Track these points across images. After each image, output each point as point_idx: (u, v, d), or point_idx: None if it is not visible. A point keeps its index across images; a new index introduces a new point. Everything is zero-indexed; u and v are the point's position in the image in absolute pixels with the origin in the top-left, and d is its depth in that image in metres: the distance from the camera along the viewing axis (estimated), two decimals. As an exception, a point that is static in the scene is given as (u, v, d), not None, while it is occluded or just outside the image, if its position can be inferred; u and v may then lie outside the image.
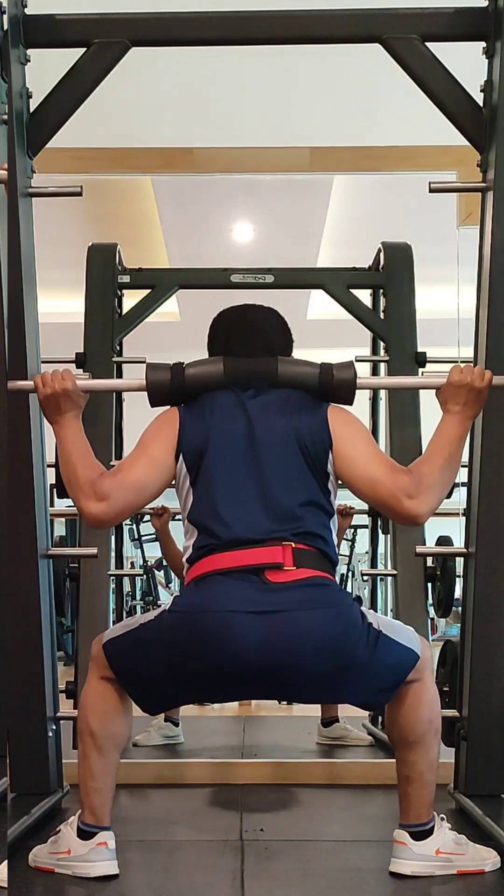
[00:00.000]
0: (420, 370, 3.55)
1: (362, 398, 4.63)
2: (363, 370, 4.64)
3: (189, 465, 2.06)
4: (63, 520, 7.68)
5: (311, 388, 2.13)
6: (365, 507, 4.25)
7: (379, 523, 4.17)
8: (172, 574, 9.95)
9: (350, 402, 2.15)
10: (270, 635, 1.89)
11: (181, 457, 2.06)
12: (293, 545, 1.98)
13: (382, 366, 3.79)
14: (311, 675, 1.93)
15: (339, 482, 2.10)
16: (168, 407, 2.17)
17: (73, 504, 2.10)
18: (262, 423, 2.06)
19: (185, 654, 1.93)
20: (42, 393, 2.11)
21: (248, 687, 2.00)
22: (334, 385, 2.13)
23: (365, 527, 4.90)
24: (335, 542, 2.09)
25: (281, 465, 2.04)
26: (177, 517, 3.88)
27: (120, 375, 4.15)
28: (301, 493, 2.03)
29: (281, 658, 1.89)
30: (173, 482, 2.10)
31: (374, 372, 4.59)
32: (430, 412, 3.68)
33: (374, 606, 4.53)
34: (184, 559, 2.08)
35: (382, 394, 4.09)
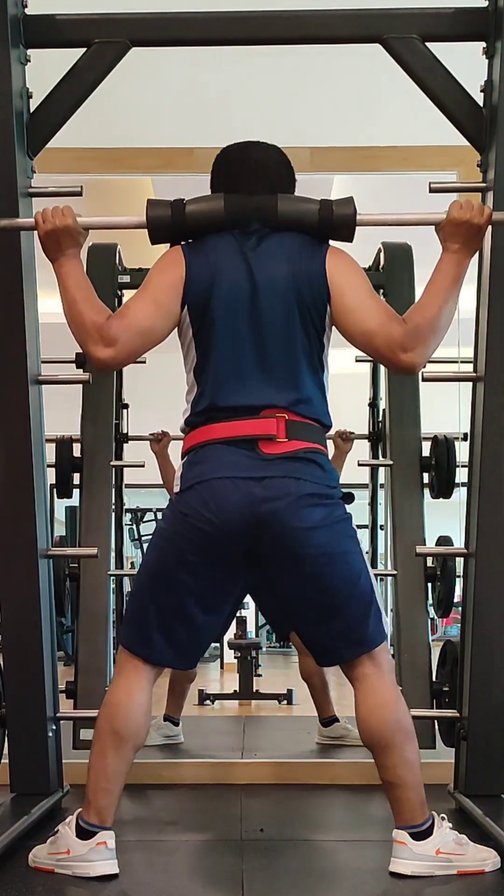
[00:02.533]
0: (421, 370, 3.55)
1: (363, 399, 4.64)
2: (363, 370, 4.65)
3: (193, 317, 2.08)
4: (63, 520, 7.70)
5: (311, 225, 2.12)
6: (364, 432, 4.38)
7: (379, 522, 4.18)
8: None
9: (350, 239, 2.15)
10: (256, 494, 1.97)
11: (186, 307, 2.07)
12: (287, 417, 2.02)
13: (382, 366, 3.79)
14: (282, 540, 1.98)
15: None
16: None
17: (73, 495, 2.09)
18: (263, 276, 2.07)
19: (190, 522, 2.00)
20: (42, 229, 2.11)
21: (239, 556, 2.02)
22: (334, 221, 2.13)
23: (365, 526, 4.90)
24: (327, 400, 2.12)
25: (280, 323, 2.06)
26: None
27: (120, 375, 4.16)
28: (298, 354, 2.06)
29: (261, 512, 1.97)
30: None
31: (375, 371, 4.60)
32: (431, 412, 3.69)
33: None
34: (183, 418, 2.11)
35: (382, 394, 4.10)
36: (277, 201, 2.11)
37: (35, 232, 2.16)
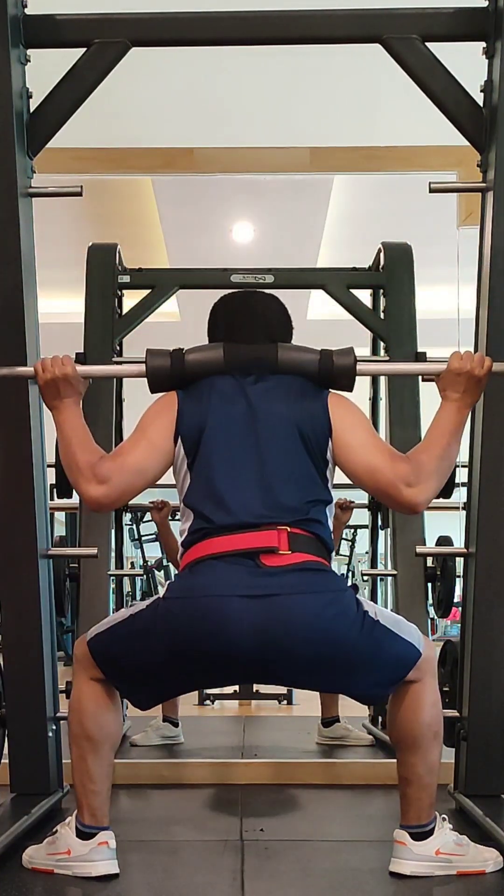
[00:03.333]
0: (423, 510, 3.56)
1: (362, 399, 4.64)
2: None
3: (187, 448, 2.06)
4: (63, 520, 7.70)
5: (311, 375, 2.13)
6: (364, 500, 4.30)
7: (379, 520, 4.17)
8: (172, 572, 9.96)
9: (350, 389, 2.16)
10: (264, 618, 1.88)
11: (179, 440, 2.06)
12: (289, 529, 1.98)
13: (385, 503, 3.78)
14: (304, 659, 1.92)
15: (337, 468, 2.10)
16: None
17: (73, 493, 2.09)
18: (263, 408, 2.06)
19: (180, 640, 1.92)
20: (42, 378, 2.11)
21: (242, 671, 2.00)
22: (334, 371, 2.13)
23: (365, 527, 4.90)
24: (331, 529, 2.09)
25: (280, 450, 2.04)
26: (177, 516, 3.89)
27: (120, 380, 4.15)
28: (299, 479, 2.03)
29: (273, 641, 1.89)
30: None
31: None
32: (431, 413, 3.69)
33: (374, 606, 4.52)
34: (179, 543, 2.08)
35: (382, 394, 4.10)
36: (277, 351, 2.12)
37: (34, 231, 2.15)
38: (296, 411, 2.06)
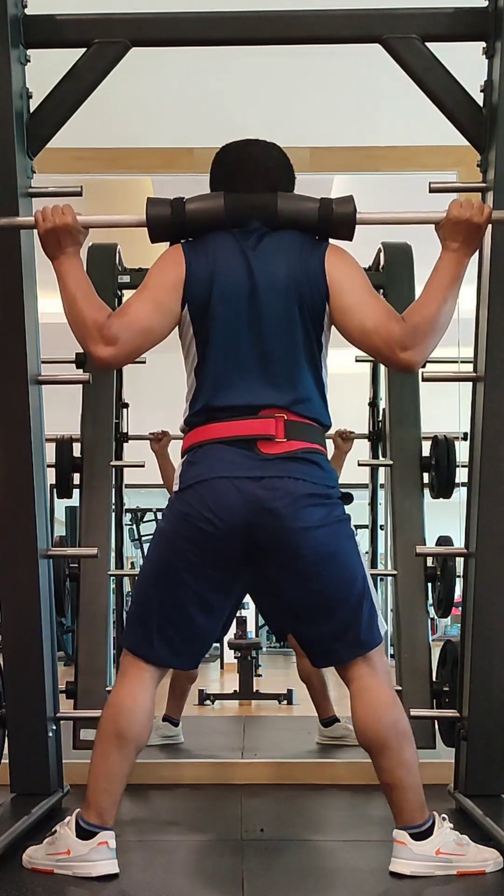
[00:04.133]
0: (420, 370, 3.56)
1: (362, 399, 4.64)
2: (363, 370, 4.65)
3: (193, 315, 2.07)
4: (63, 520, 7.70)
5: (311, 224, 2.12)
6: (364, 431, 4.37)
7: (379, 522, 4.18)
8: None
9: (349, 238, 2.15)
10: (254, 494, 1.98)
11: (186, 306, 2.07)
12: (286, 417, 2.02)
13: (382, 366, 3.79)
14: (281, 539, 1.98)
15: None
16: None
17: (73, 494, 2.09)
18: (263, 275, 2.06)
19: (190, 522, 2.00)
20: (42, 227, 2.11)
21: (237, 555, 2.02)
22: (334, 219, 2.12)
23: (365, 527, 4.91)
24: (327, 399, 2.12)
25: (279, 322, 2.06)
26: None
27: (120, 375, 4.16)
28: (298, 353, 2.06)
29: (260, 511, 1.97)
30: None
31: (375, 371, 4.60)
32: (431, 412, 3.69)
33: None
34: (183, 418, 2.12)
35: (382, 394, 4.10)
36: (277, 199, 2.11)
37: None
38: (294, 277, 2.07)
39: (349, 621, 2.04)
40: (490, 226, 2.38)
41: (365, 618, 2.05)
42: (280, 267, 2.08)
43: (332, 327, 2.11)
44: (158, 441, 4.06)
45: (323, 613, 2.05)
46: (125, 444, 4.25)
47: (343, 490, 2.10)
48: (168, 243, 2.17)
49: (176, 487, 2.08)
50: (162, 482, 4.02)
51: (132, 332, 2.04)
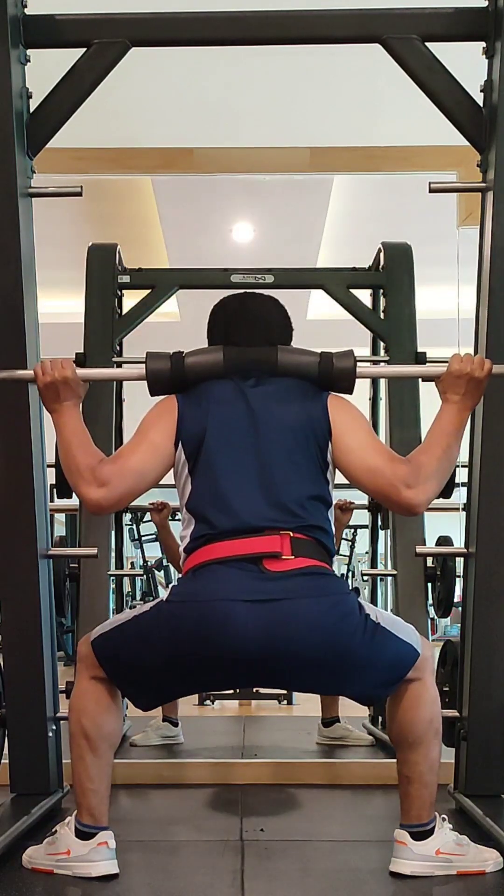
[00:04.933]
0: (423, 511, 3.56)
1: (362, 399, 4.64)
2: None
3: (188, 452, 2.06)
4: (63, 520, 7.70)
5: (311, 377, 2.13)
6: (365, 501, 4.28)
7: (379, 521, 4.17)
8: (172, 573, 9.96)
9: (350, 391, 2.16)
10: (268, 623, 1.89)
11: (180, 444, 2.06)
12: (291, 535, 1.98)
13: (382, 364, 3.79)
14: (308, 662, 1.93)
15: (337, 470, 2.11)
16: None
17: (73, 494, 2.09)
18: (263, 411, 2.07)
19: (183, 644, 1.93)
20: (41, 381, 2.11)
21: (246, 675, 1.99)
22: (334, 374, 2.13)
23: (365, 527, 4.90)
24: (333, 533, 2.10)
25: (281, 453, 2.04)
26: (177, 517, 3.88)
27: (120, 385, 4.15)
28: (301, 482, 2.04)
29: (278, 645, 1.89)
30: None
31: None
32: (431, 413, 3.69)
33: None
34: (181, 549, 2.08)
35: (382, 394, 4.10)
36: (277, 353, 2.12)
37: (35, 231, 2.15)
38: (296, 414, 2.07)
39: (379, 676, 2.00)
40: (490, 224, 2.39)
41: (406, 662, 2.00)
42: (281, 404, 2.08)
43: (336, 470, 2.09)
44: (159, 512, 3.99)
45: (352, 687, 2.03)
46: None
47: (353, 588, 2.06)
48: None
49: (165, 597, 2.01)
50: (165, 551, 3.96)
51: (124, 475, 2.02)
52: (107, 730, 2.04)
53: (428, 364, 2.14)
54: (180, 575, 2.10)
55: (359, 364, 2.14)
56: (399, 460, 2.03)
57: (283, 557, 1.95)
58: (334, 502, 2.13)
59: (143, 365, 2.15)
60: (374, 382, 4.56)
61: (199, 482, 2.05)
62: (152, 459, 2.05)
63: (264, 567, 1.95)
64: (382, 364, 2.02)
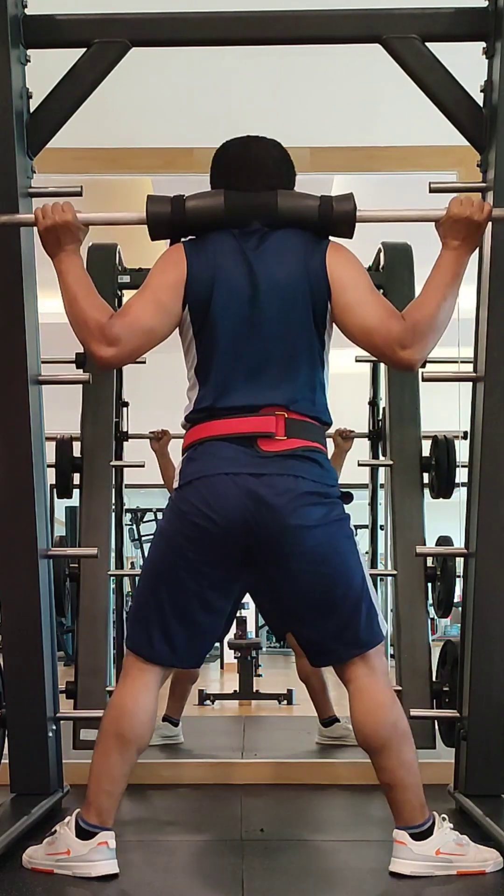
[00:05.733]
0: (420, 370, 3.56)
1: (363, 399, 4.64)
2: (363, 370, 4.65)
3: (193, 316, 2.08)
4: (63, 520, 7.70)
5: (311, 221, 2.12)
6: (364, 430, 4.36)
7: (379, 522, 4.18)
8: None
9: (350, 235, 2.15)
10: (255, 491, 1.98)
11: (187, 307, 2.08)
12: (286, 415, 2.03)
13: (382, 365, 3.79)
14: (279, 538, 1.98)
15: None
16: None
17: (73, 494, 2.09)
18: (264, 276, 2.07)
19: (189, 516, 2.00)
20: (42, 224, 2.11)
21: (237, 550, 2.01)
22: (334, 217, 2.13)
23: (365, 527, 4.90)
24: (327, 398, 2.12)
25: (281, 322, 2.06)
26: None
27: (120, 375, 4.15)
28: (299, 352, 2.07)
29: (258, 509, 1.97)
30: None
31: (375, 371, 4.59)
32: (431, 412, 3.69)
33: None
34: (184, 415, 2.12)
35: (383, 393, 4.10)
36: (277, 198, 2.11)
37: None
38: (295, 277, 2.07)
39: (348, 620, 2.04)
40: (490, 225, 2.38)
41: (363, 617, 2.05)
42: (282, 268, 2.08)
43: (334, 325, 2.11)
44: (158, 440, 4.06)
45: (321, 612, 2.05)
46: (125, 444, 4.24)
47: (343, 489, 2.10)
48: (168, 242, 2.16)
49: (176, 484, 2.08)
50: (162, 482, 4.02)
51: (134, 333, 2.04)
52: (140, 731, 2.06)
53: (428, 210, 2.14)
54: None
55: (359, 208, 2.13)
56: (394, 318, 2.03)
57: (277, 438, 2.02)
58: (334, 429, 2.16)
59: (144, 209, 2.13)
60: (374, 383, 4.56)
61: (203, 351, 2.08)
62: (161, 317, 2.07)
63: (259, 447, 2.02)
64: (383, 208, 2.00)
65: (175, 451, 3.41)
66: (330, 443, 3.73)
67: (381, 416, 4.29)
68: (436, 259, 2.09)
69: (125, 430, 4.24)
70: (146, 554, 2.11)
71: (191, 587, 2.03)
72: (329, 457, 2.15)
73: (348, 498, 2.10)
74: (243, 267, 2.08)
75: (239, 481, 1.99)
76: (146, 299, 2.08)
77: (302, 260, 2.08)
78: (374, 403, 4.58)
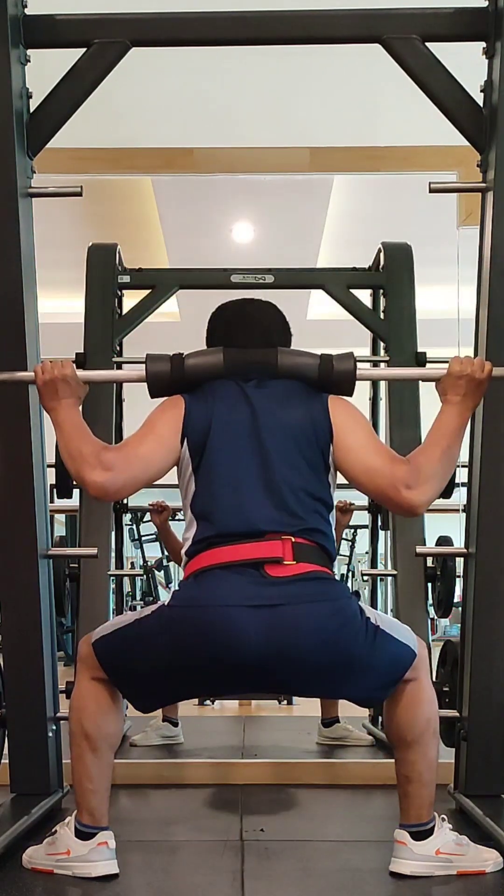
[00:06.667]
0: (422, 512, 3.56)
1: (362, 399, 4.64)
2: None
3: (192, 450, 2.06)
4: (63, 520, 7.70)
5: (311, 379, 2.13)
6: (365, 502, 4.29)
7: (379, 521, 4.17)
8: (173, 573, 9.96)
9: (350, 394, 2.16)
10: (270, 628, 1.89)
11: (185, 442, 2.06)
12: (293, 539, 1.98)
13: (382, 366, 3.79)
14: (310, 667, 1.93)
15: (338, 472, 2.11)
16: None
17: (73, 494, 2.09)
18: (265, 413, 2.06)
19: (185, 648, 1.93)
20: (41, 379, 2.11)
21: (247, 680, 2.00)
22: (334, 376, 2.13)
23: (365, 527, 4.90)
24: (334, 536, 2.10)
25: (283, 456, 2.04)
26: (178, 517, 3.88)
27: (120, 397, 4.15)
28: (302, 486, 2.03)
29: (280, 651, 1.90)
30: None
31: (374, 407, 4.58)
32: (431, 413, 3.69)
33: (374, 606, 4.52)
34: (183, 552, 2.08)
35: (382, 394, 4.09)
36: (278, 355, 2.12)
37: (35, 231, 2.15)
38: (298, 415, 2.07)
39: (380, 677, 2.01)
40: (491, 227, 2.39)
41: (403, 663, 2.01)
42: (283, 405, 2.08)
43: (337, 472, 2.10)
44: (159, 514, 4.00)
45: (350, 687, 2.02)
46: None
47: (353, 591, 2.08)
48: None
49: (167, 601, 2.01)
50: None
51: (129, 461, 2.02)
52: (107, 730, 2.04)
53: (428, 366, 2.13)
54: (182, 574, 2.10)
55: (359, 366, 2.14)
56: (399, 460, 2.03)
57: (285, 563, 1.95)
58: (335, 504, 2.13)
59: (144, 364, 2.15)
60: (375, 382, 4.56)
61: (203, 483, 2.05)
62: (158, 450, 2.05)
63: (266, 572, 1.95)
64: (383, 366, 2.02)
65: (178, 529, 3.36)
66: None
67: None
68: (438, 413, 2.09)
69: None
70: (139, 618, 2.02)
71: (177, 686, 2.02)
72: None
73: (357, 597, 2.07)
74: (243, 402, 2.08)
75: (250, 615, 1.89)
76: (143, 434, 2.07)
77: (303, 402, 2.09)
78: (374, 424, 4.57)
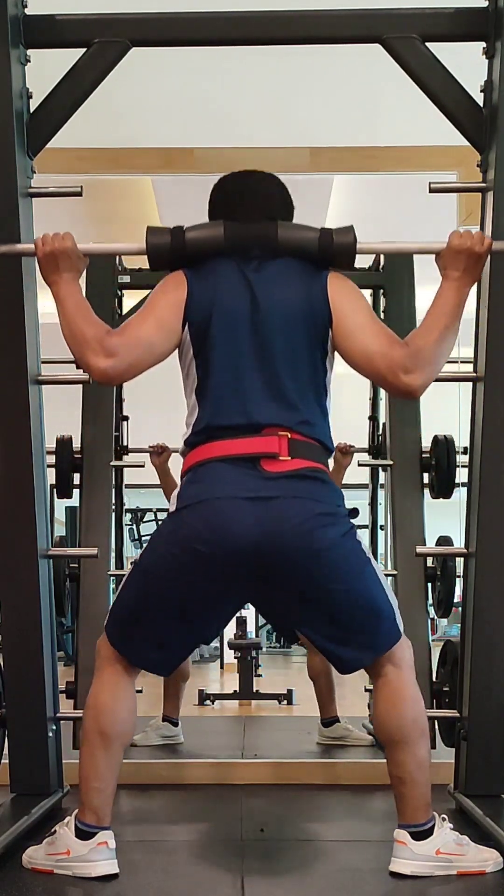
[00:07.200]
0: (421, 395, 3.56)
1: (362, 398, 4.64)
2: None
3: (193, 336, 2.06)
4: (63, 520, 7.70)
5: (311, 253, 2.11)
6: (364, 445, 4.34)
7: (379, 522, 4.18)
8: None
9: (350, 267, 2.14)
10: (262, 518, 1.93)
11: (187, 326, 2.06)
12: (289, 435, 2.00)
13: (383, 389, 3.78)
14: (291, 566, 1.95)
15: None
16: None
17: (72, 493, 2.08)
18: (266, 298, 2.05)
19: (188, 542, 1.96)
20: (41, 251, 2.09)
21: (243, 578, 1.99)
22: (334, 249, 2.11)
23: (365, 527, 4.90)
24: (330, 426, 2.10)
25: (283, 344, 2.04)
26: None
27: (120, 388, 4.14)
28: (301, 375, 2.05)
29: (267, 536, 1.93)
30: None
31: (374, 386, 4.58)
32: (431, 413, 3.69)
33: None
34: (183, 440, 2.09)
35: (383, 393, 4.10)
36: (278, 228, 2.11)
37: (35, 231, 2.15)
38: (297, 300, 2.06)
39: (368, 630, 2.03)
40: (491, 227, 2.39)
41: (384, 622, 2.03)
42: (282, 290, 2.07)
43: (335, 353, 2.10)
44: (158, 455, 4.00)
45: (339, 626, 2.03)
46: (125, 456, 4.23)
47: (348, 505, 2.07)
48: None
49: (173, 507, 2.03)
50: (165, 492, 3.99)
51: (132, 346, 2.02)
52: (121, 728, 2.05)
53: (428, 242, 2.13)
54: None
55: (358, 240, 2.12)
56: (397, 344, 2.02)
57: (281, 458, 1.98)
58: (335, 445, 2.14)
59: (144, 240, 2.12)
60: (374, 399, 4.55)
61: (203, 373, 2.06)
62: (161, 334, 2.05)
63: (262, 467, 1.98)
64: (383, 241, 2.01)
65: (175, 467, 3.38)
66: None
67: (381, 431, 4.29)
68: (436, 291, 2.08)
69: (125, 443, 4.24)
70: (138, 558, 2.08)
71: (183, 603, 2.01)
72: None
73: (355, 513, 2.08)
74: (244, 288, 2.06)
75: (245, 506, 1.94)
76: (145, 317, 2.06)
77: (303, 284, 2.08)
78: (373, 418, 4.58)
